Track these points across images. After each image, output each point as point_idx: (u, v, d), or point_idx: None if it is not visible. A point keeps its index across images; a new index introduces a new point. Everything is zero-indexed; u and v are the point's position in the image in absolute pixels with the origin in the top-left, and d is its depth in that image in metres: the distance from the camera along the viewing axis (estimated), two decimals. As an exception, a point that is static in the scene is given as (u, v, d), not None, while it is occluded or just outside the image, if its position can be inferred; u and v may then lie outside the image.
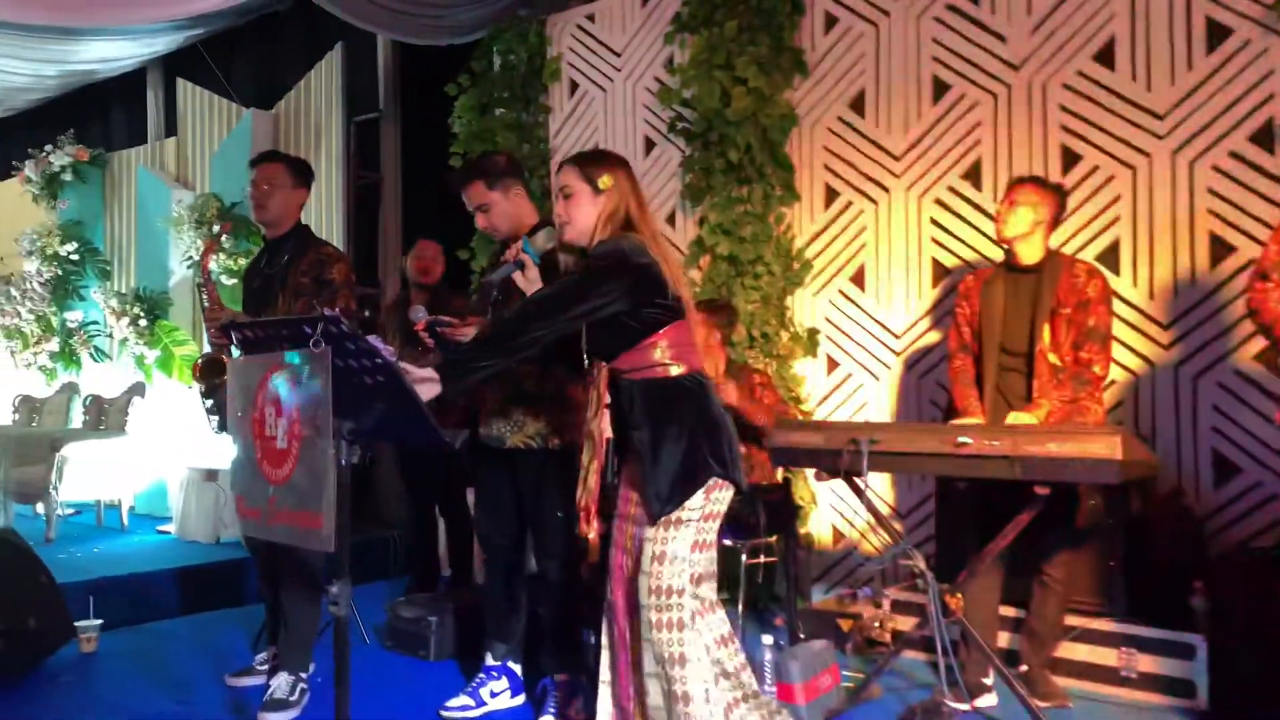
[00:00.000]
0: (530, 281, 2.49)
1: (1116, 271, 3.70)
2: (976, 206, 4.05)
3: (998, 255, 3.90)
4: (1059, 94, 3.85)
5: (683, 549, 2.19)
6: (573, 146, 5.32)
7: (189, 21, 7.31)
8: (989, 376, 3.19)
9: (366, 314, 6.10)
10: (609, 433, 2.32)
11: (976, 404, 3.18)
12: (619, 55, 5.16)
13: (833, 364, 4.43)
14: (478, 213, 2.98)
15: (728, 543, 3.79)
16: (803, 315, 4.50)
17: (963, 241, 4.08)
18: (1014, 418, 2.98)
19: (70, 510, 6.93)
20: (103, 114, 8.91)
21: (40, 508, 6.36)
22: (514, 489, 2.95)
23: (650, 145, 5.03)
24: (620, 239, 2.25)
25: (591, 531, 2.32)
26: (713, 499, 2.22)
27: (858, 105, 4.37)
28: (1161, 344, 3.64)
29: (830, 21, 4.45)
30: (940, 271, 4.14)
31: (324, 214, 6.82)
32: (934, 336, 4.14)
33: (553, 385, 2.85)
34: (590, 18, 5.28)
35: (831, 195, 4.44)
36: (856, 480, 2.89)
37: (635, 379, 2.27)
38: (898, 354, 4.24)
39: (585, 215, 2.31)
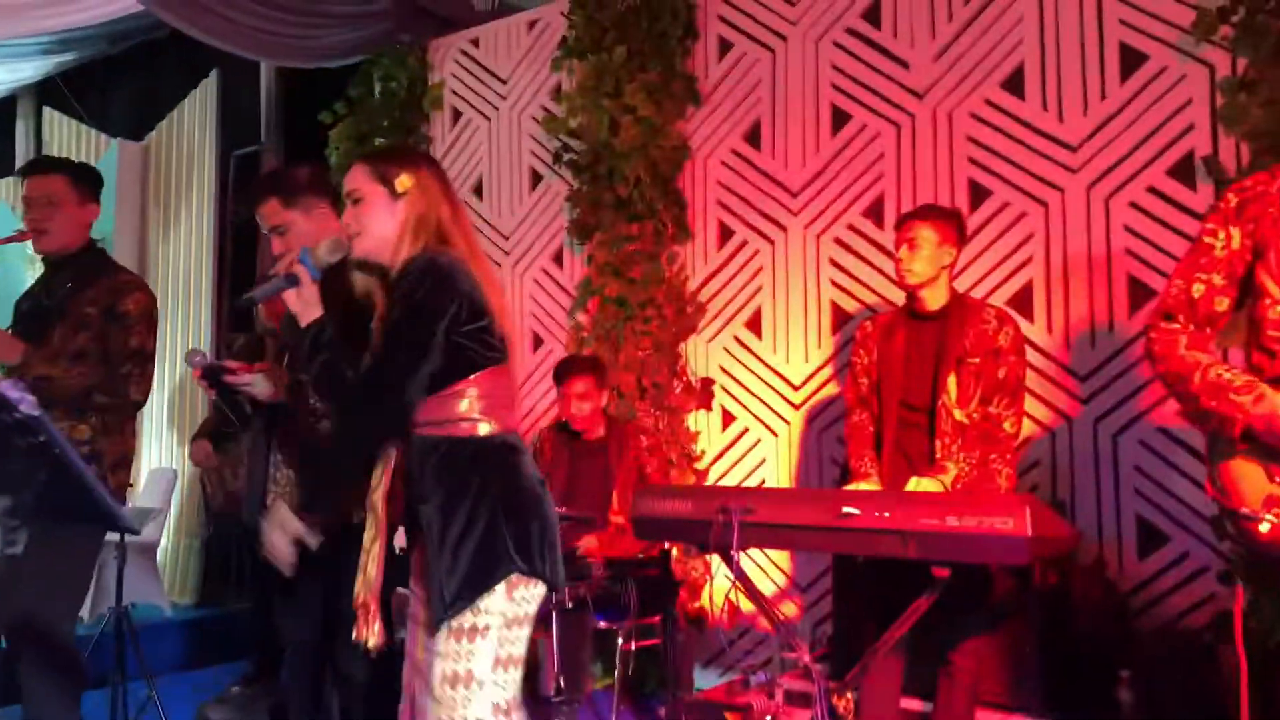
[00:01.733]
0: (305, 303, 1.94)
1: (1029, 317, 3.36)
2: (878, 246, 3.69)
3: (902, 299, 3.55)
4: (966, 124, 3.54)
5: (483, 666, 1.70)
6: (456, 178, 4.87)
7: (57, 46, 6.76)
8: (888, 434, 2.78)
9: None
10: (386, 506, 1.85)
11: (873, 465, 2.78)
12: (504, 82, 4.76)
13: (729, 417, 4.01)
14: (273, 235, 2.51)
15: (602, 625, 3.32)
16: (697, 364, 4.09)
17: (864, 284, 3.72)
18: (915, 484, 2.58)
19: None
20: (-32, 145, 8.26)
21: None
22: (315, 572, 2.43)
23: (537, 178, 4.62)
24: (436, 254, 1.80)
25: (373, 638, 1.83)
26: (517, 599, 1.75)
27: (753, 137, 4.01)
28: (1078, 397, 3.29)
29: (725, 47, 4.11)
30: (841, 317, 3.76)
31: (194, 252, 6.30)
32: (835, 388, 3.75)
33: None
34: (474, 42, 4.89)
35: (726, 233, 4.06)
36: (731, 556, 2.45)
37: (429, 435, 1.80)
38: (797, 407, 3.84)
39: (381, 224, 1.86)
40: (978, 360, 2.75)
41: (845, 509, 2.22)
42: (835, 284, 3.77)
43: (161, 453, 6.12)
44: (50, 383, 2.51)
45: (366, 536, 1.85)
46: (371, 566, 1.82)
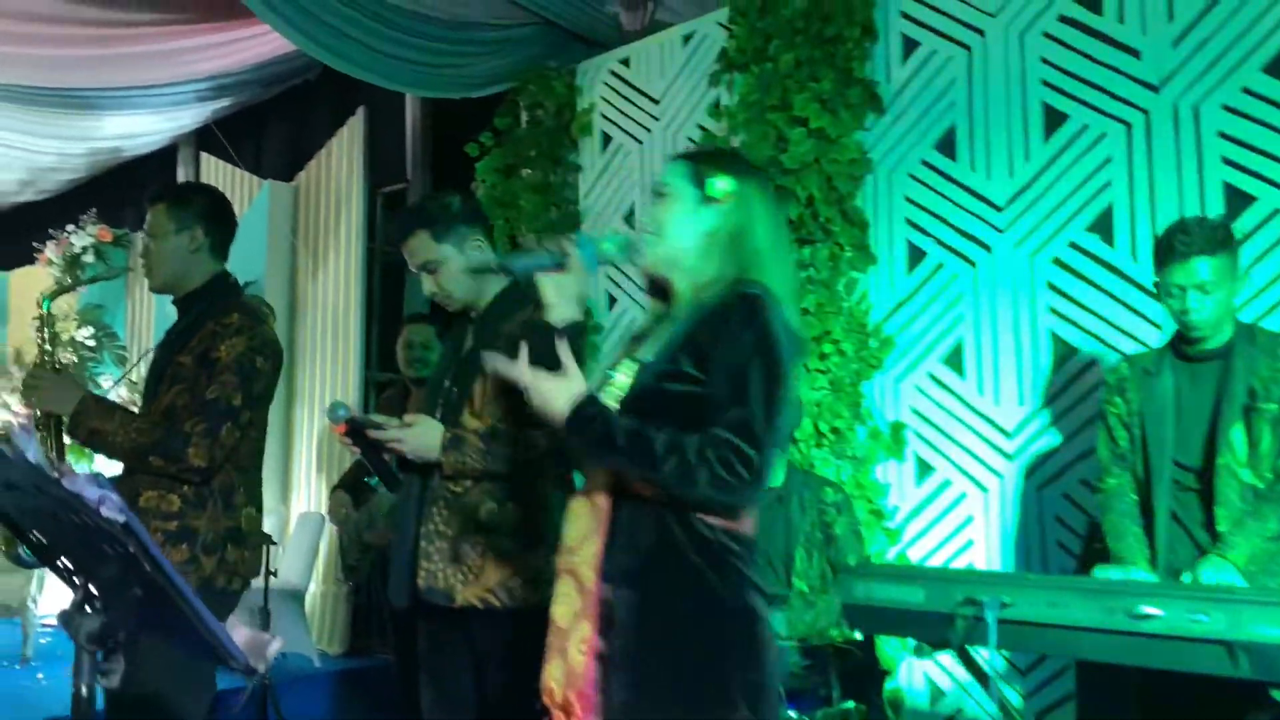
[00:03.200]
0: (564, 297, 1.63)
1: (1314, 349, 2.73)
2: (1108, 266, 3.13)
3: (1141, 329, 3.00)
4: (1218, 118, 2.95)
5: None
6: (606, 206, 4.56)
7: (213, 92, 6.87)
8: (1159, 502, 2.24)
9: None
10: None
11: (1141, 544, 2.23)
12: (657, 102, 4.42)
13: (924, 468, 3.49)
14: (423, 274, 2.21)
15: (792, 714, 2.85)
16: (884, 406, 3.59)
17: (1091, 311, 3.16)
18: (1213, 566, 2.02)
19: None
20: (136, 194, 8.55)
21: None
22: (472, 665, 2.08)
23: (695, 204, 4.23)
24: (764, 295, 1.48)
25: None
26: None
27: (947, 145, 3.51)
28: (1388, 448, 2.64)
29: (910, 46, 3.64)
30: (1064, 351, 3.20)
31: (342, 291, 6.21)
32: (1057, 436, 3.19)
33: (519, 512, 2.01)
34: (625, 62, 4.58)
35: (917, 256, 3.56)
36: (976, 657, 1.96)
37: (648, 509, 1.43)
38: (1011, 458, 3.29)
39: (681, 230, 1.56)
40: (1273, 407, 2.19)
41: (1142, 608, 1.71)
42: (1056, 312, 3.22)
43: (310, 498, 6.02)
44: (100, 439, 2.20)
45: (563, 611, 1.47)
46: (576, 652, 1.43)
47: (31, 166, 7.94)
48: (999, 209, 3.37)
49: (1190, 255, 2.20)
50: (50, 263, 7.78)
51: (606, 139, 4.62)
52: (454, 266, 2.16)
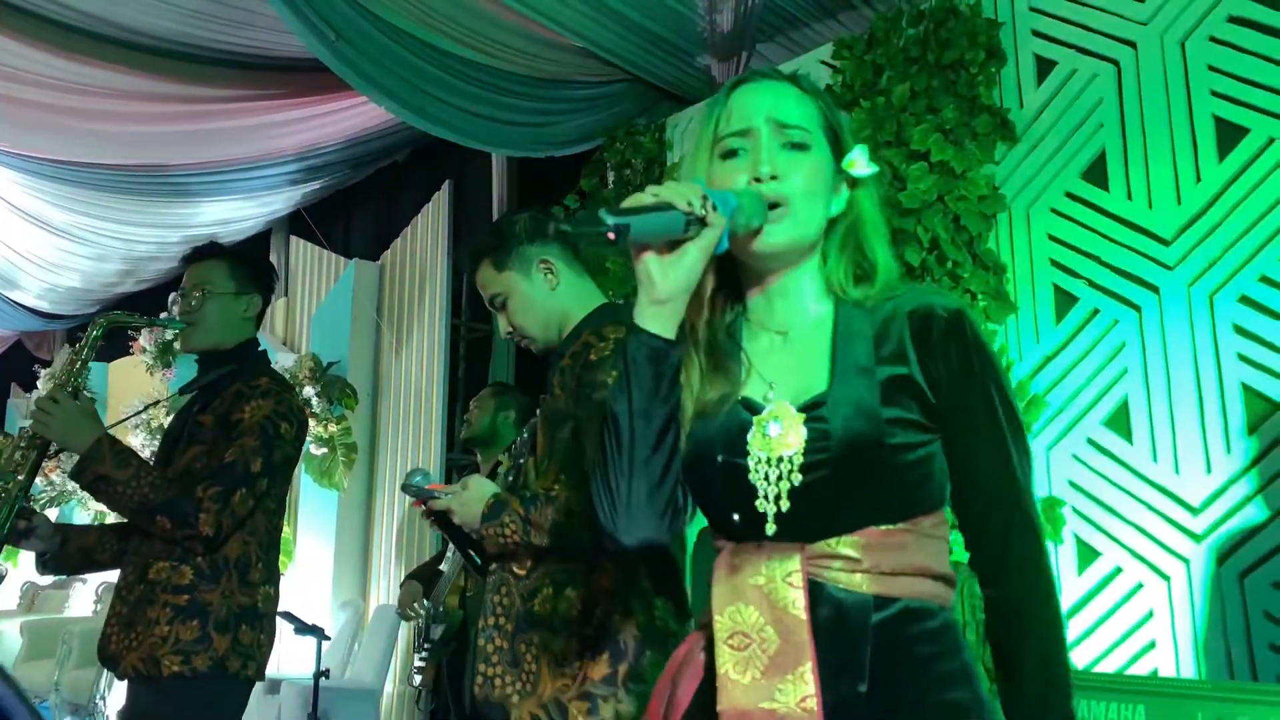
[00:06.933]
0: (672, 280, 1.10)
1: None
2: (1314, 303, 2.58)
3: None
4: None
5: None
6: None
7: (303, 175, 6.86)
8: None
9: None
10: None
11: None
12: (756, 151, 4.06)
13: (1088, 553, 2.91)
14: (496, 313, 1.85)
15: None
16: (1035, 477, 3.04)
17: (1294, 359, 2.60)
18: None
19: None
20: (231, 282, 8.62)
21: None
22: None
23: (799, 258, 3.82)
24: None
25: None
26: None
27: (1096, 173, 3.04)
28: None
29: (1045, 67, 3.21)
30: (1261, 408, 2.64)
31: (425, 369, 5.98)
32: (1261, 510, 2.60)
33: (579, 603, 1.57)
34: (719, 111, 4.25)
35: (1066, 302, 3.06)
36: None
37: (887, 598, 1.03)
38: (1198, 538, 2.69)
39: (820, 202, 1.12)
40: None
41: None
42: (1246, 360, 2.66)
43: (388, 590, 5.66)
44: (108, 488, 2.00)
45: None
46: None
47: (130, 256, 8.06)
48: (1165, 243, 2.86)
49: None
50: (144, 350, 7.80)
51: (700, 194, 4.27)
52: (523, 296, 1.79)
